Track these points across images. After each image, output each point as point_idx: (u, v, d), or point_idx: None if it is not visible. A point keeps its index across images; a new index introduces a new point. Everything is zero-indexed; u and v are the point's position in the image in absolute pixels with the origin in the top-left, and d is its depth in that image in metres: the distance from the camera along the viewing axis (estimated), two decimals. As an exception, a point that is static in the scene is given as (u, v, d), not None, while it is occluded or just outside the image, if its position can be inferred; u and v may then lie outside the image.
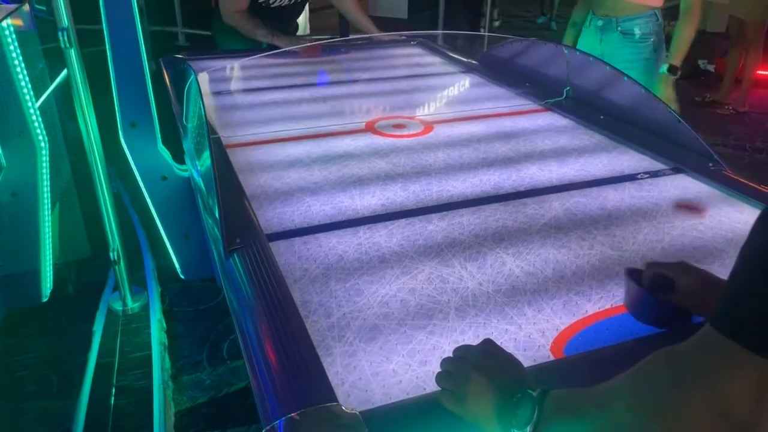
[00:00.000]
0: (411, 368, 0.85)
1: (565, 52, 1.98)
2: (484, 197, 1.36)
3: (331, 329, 0.93)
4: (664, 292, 0.86)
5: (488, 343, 0.78)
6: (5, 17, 1.85)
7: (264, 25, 2.48)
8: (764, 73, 4.86)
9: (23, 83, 1.91)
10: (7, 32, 1.84)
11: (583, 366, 0.85)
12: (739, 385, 0.44)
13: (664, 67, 2.23)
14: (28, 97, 1.94)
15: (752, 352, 0.44)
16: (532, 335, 0.92)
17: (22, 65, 1.90)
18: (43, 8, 2.77)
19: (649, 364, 0.53)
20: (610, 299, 1.00)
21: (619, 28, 2.28)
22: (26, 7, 2.23)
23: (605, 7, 2.31)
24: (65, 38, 1.72)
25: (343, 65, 2.62)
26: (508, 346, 0.88)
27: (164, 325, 2.13)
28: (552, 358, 0.88)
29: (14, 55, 1.86)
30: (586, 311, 0.97)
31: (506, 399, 0.68)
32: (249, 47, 2.54)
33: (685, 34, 2.21)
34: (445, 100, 2.14)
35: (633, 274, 0.90)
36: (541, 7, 7.35)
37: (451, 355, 0.79)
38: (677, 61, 2.23)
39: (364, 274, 1.06)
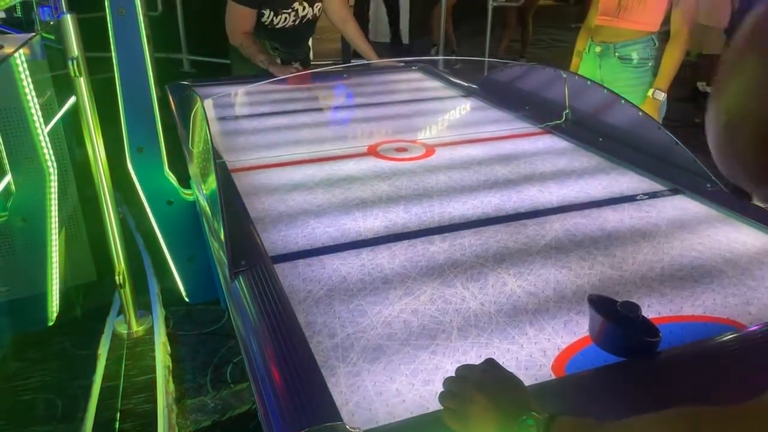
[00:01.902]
0: (414, 387, 0.86)
1: (564, 76, 2.02)
2: (485, 219, 1.38)
3: (335, 349, 0.94)
4: (627, 322, 0.85)
5: (490, 363, 0.79)
6: (17, 49, 1.90)
7: (266, 50, 2.53)
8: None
9: (34, 110, 1.95)
10: (18, 61, 1.89)
11: (585, 385, 0.86)
12: None
13: (650, 92, 2.28)
14: (38, 124, 1.98)
15: None
16: (534, 354, 0.93)
17: (33, 93, 1.95)
18: (52, 37, 2.84)
19: (674, 416, 0.52)
20: (610, 318, 1.01)
21: (616, 54, 2.32)
22: (37, 38, 2.29)
23: (602, 33, 2.36)
24: (74, 67, 1.76)
25: (345, 90, 2.66)
26: (510, 366, 0.89)
27: (168, 348, 2.13)
28: (553, 377, 0.89)
29: (26, 83, 1.91)
30: (587, 330, 0.98)
31: (509, 419, 0.68)
32: (232, 78, 2.58)
33: (671, 58, 2.25)
34: (446, 123, 2.18)
35: (596, 303, 0.88)
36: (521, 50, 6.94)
37: (453, 374, 0.80)
38: (664, 85, 2.27)
39: (367, 295, 1.08)
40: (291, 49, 2.66)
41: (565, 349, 0.94)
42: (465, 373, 0.78)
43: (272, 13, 2.55)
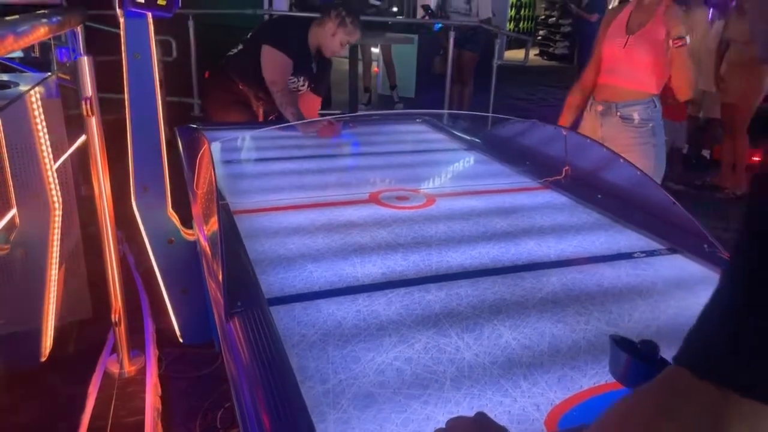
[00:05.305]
0: (404, 437, 0.85)
1: (564, 134, 2.06)
2: (483, 270, 1.38)
3: (327, 395, 0.93)
4: (650, 359, 0.87)
5: (481, 415, 0.79)
6: (33, 87, 1.96)
7: (296, 104, 2.66)
8: (758, 159, 4.99)
9: (44, 147, 1.99)
10: (33, 99, 1.94)
11: (577, 441, 0.85)
12: (691, 412, 0.45)
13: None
14: (47, 161, 2.02)
15: (698, 377, 0.45)
16: (527, 408, 0.92)
17: (45, 131, 1.99)
18: (67, 78, 2.92)
19: (613, 410, 0.53)
20: (605, 375, 1.00)
21: (618, 113, 2.37)
22: (53, 78, 2.36)
23: (604, 92, 2.41)
24: (87, 107, 1.81)
25: (349, 139, 2.72)
26: (503, 419, 0.88)
27: (159, 390, 2.10)
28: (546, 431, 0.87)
29: (38, 120, 1.95)
30: (581, 386, 0.98)
31: None
32: (241, 121, 2.72)
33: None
34: (448, 175, 2.21)
35: (619, 342, 0.90)
36: None
37: (444, 425, 0.79)
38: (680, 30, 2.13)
39: (361, 341, 1.08)
40: (276, 106, 2.79)
41: (559, 405, 0.93)
42: (455, 424, 0.77)
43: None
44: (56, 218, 2.10)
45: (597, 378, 0.99)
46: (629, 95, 2.34)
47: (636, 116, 2.33)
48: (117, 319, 2.08)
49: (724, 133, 4.77)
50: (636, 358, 0.86)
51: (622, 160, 1.81)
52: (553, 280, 1.34)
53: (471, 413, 0.79)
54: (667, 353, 1.04)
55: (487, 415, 0.78)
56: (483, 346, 1.07)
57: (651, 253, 1.50)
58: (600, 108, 2.41)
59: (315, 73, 2.89)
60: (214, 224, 1.39)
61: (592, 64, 2.49)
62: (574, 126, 2.52)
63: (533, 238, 1.57)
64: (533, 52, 11.90)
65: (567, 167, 2.03)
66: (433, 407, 0.91)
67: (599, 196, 1.84)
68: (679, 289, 1.31)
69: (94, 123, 1.83)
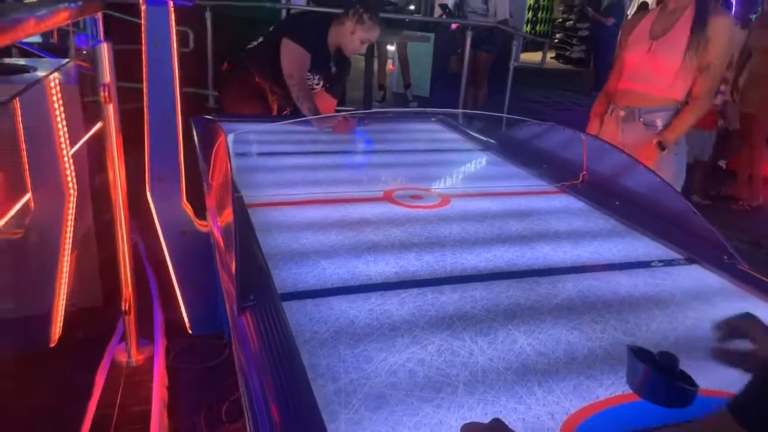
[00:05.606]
0: (416, 441, 0.84)
1: (583, 138, 2.03)
2: (498, 273, 1.36)
3: (338, 394, 0.92)
4: (669, 371, 0.85)
5: (497, 422, 0.77)
6: (52, 72, 1.96)
7: (312, 99, 2.65)
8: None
9: (61, 133, 2.00)
10: (52, 85, 1.94)
11: (592, 452, 0.83)
12: None
13: (656, 140, 2.25)
14: (63, 147, 2.02)
15: None
16: (541, 417, 0.91)
17: (63, 116, 1.99)
18: (86, 65, 2.93)
19: None
20: (622, 385, 0.98)
21: (641, 119, 2.32)
22: (71, 64, 2.36)
23: (627, 97, 2.36)
24: (105, 93, 1.80)
25: (364, 136, 2.70)
26: (516, 427, 0.87)
27: (166, 381, 2.10)
28: (561, 441, 0.86)
29: (57, 106, 1.96)
30: (598, 396, 0.96)
31: None
32: (256, 115, 2.71)
33: (686, 117, 2.25)
34: (463, 175, 2.19)
35: (638, 353, 0.88)
36: None
37: (458, 431, 0.77)
38: (670, 138, 2.25)
39: (373, 340, 1.06)
40: (291, 101, 2.78)
41: (574, 414, 0.91)
42: (469, 430, 0.76)
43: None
44: (71, 204, 2.11)
45: (614, 388, 0.98)
46: (654, 101, 2.30)
47: (659, 122, 2.29)
48: (127, 308, 2.08)
49: (742, 144, 4.71)
50: (654, 369, 0.85)
51: (641, 167, 1.78)
52: (568, 286, 1.32)
53: (485, 419, 0.78)
54: (686, 366, 1.03)
55: (503, 422, 0.77)
56: (497, 351, 1.06)
57: (669, 263, 1.47)
58: (622, 113, 2.37)
59: (333, 73, 2.89)
60: (228, 216, 1.39)
61: (615, 72, 2.46)
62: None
63: (549, 243, 1.55)
64: (549, 55, 11.84)
65: (584, 172, 2.00)
66: (446, 412, 0.90)
67: (617, 202, 1.82)
68: (698, 300, 1.29)
69: (111, 110, 1.83)
